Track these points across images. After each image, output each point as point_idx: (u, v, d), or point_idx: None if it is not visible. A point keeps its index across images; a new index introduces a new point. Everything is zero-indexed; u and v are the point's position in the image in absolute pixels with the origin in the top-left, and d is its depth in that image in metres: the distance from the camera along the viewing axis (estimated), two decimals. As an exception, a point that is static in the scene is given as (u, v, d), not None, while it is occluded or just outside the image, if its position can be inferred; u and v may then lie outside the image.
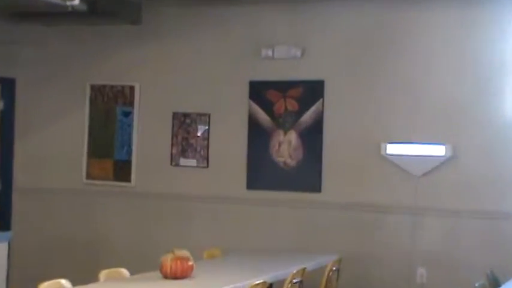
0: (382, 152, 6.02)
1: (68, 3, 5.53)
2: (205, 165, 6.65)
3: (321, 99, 6.25)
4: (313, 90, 6.30)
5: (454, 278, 5.75)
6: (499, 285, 4.53)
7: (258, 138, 6.46)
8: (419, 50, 6.05)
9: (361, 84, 6.20)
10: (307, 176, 6.31)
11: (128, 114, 6.97)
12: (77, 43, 7.18)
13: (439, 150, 5.92)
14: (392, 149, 6.02)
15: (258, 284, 4.32)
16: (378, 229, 6.08)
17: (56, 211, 7.19)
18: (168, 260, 4.45)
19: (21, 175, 7.39)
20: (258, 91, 6.45)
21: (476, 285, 4.41)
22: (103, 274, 4.51)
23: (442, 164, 5.94)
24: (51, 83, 7.28)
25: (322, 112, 6.25)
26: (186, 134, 6.73)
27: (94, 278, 4.44)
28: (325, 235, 6.19)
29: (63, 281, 4.20)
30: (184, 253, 4.52)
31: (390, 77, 6.11)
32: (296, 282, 4.77)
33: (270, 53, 6.36)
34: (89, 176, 7.10)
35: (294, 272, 4.78)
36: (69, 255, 6.91)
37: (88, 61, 7.13)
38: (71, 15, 6.14)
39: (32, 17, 6.68)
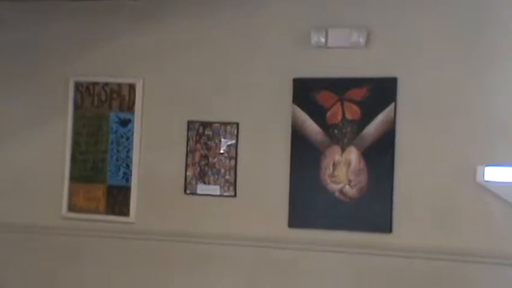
0: (479, 179, 5.62)
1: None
2: (233, 193, 6.54)
3: (392, 104, 6.11)
4: (381, 92, 6.15)
5: None
6: None
7: (304, 156, 6.32)
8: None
9: (449, 84, 5.99)
10: (372, 209, 6.13)
11: (126, 123, 6.90)
12: (56, 24, 7.04)
13: (562, 177, 5.64)
14: (493, 174, 5.64)
15: None
16: (475, 286, 5.89)
17: (26, 256, 7.05)
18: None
19: None
20: (305, 92, 6.35)
21: None
22: None
23: None
24: (20, 79, 7.17)
25: (394, 122, 6.10)
26: (206, 150, 6.64)
27: None
28: None
29: None
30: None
31: (491, 73, 5.90)
32: None
33: (322, 39, 6.23)
34: (71, 207, 6.95)
35: None
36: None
37: (72, 49, 6.99)
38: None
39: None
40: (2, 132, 7.22)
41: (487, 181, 5.63)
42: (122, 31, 6.90)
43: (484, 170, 5.58)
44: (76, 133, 6.95)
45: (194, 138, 6.65)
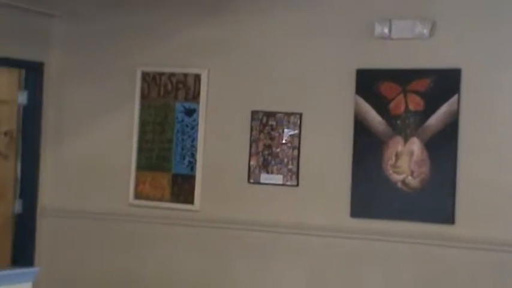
0: None
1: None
2: (295, 183, 6.54)
3: (456, 96, 6.07)
4: (445, 83, 6.16)
5: None
6: None
7: (367, 147, 6.37)
8: None
9: None
10: (435, 200, 6.15)
11: (191, 113, 6.96)
12: (124, 16, 7.25)
13: None
14: None
15: None
16: None
17: (95, 241, 7.28)
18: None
19: (48, 194, 7.50)
20: (369, 83, 6.38)
21: None
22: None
23: None
24: (90, 69, 7.38)
25: (457, 113, 6.08)
26: (270, 140, 6.66)
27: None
28: (462, 283, 6.01)
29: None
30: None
31: None
32: None
33: (386, 30, 6.28)
34: (138, 195, 7.13)
35: None
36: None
37: (139, 40, 7.20)
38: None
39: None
40: (73, 121, 7.37)
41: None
42: (188, 23, 6.93)
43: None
44: (142, 122, 7.06)
45: (258, 128, 6.65)
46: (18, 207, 7.46)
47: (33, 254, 7.38)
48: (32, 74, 7.44)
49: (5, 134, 7.54)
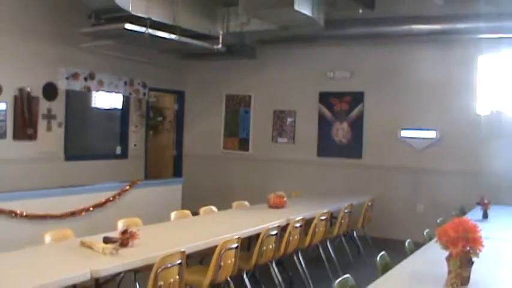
0: (399, 135, 6.55)
1: (215, 47, 5.91)
2: (293, 142, 7.25)
3: (362, 103, 6.84)
4: (357, 98, 6.85)
5: (441, 210, 5.83)
6: (465, 213, 4.80)
7: (324, 126, 7.05)
8: (420, 73, 6.40)
9: (387, 94, 6.69)
10: (353, 149, 6.85)
11: (247, 112, 7.56)
12: (217, 71, 7.77)
13: (432, 134, 6.41)
14: (404, 133, 6.53)
15: (325, 213, 4.74)
16: (395, 181, 6.60)
17: (207, 168, 7.87)
18: (272, 197, 4.97)
19: (187, 147, 8.05)
20: (325, 98, 7.05)
21: (453, 213, 4.64)
22: (234, 204, 5.03)
23: (433, 142, 6.37)
24: (203, 93, 7.97)
25: (363, 111, 6.82)
26: (281, 123, 7.29)
27: (229, 206, 4.99)
28: (364, 184, 6.68)
29: (213, 207, 4.72)
30: (282, 193, 5.04)
31: (404, 90, 6.57)
32: (347, 212, 5.20)
33: (332, 75, 6.99)
34: (224, 147, 7.67)
35: (346, 205, 5.16)
36: (214, 193, 7.47)
37: (224, 81, 7.75)
38: (215, 54, 6.63)
39: (192, 56, 7.29)
40: (197, 116, 7.97)
41: (402, 136, 6.48)
42: (245, 73, 7.59)
43: (400, 131, 6.46)
44: (225, 117, 7.75)
45: (276, 118, 7.37)
46: (175, 152, 8.05)
47: (181, 173, 7.96)
48: (179, 96, 7.97)
49: (169, 122, 8.15)
